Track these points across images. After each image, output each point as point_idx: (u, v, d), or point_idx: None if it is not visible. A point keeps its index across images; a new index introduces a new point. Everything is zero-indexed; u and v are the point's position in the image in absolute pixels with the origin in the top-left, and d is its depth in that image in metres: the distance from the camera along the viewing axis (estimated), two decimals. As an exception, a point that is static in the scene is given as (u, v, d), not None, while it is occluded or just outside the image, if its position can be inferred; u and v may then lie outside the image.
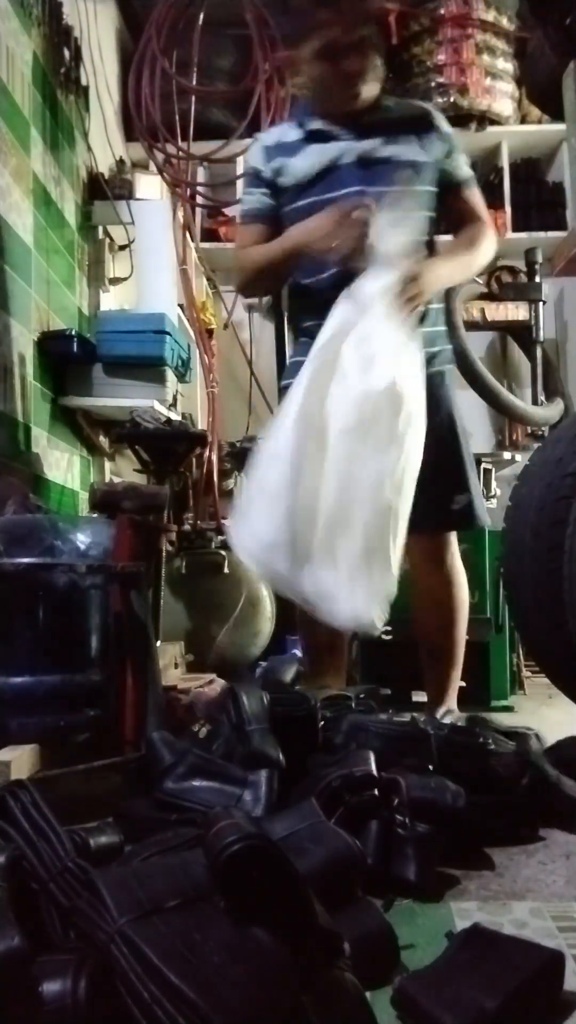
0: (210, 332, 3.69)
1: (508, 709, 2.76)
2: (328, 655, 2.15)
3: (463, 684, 2.22)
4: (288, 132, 2.04)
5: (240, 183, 3.73)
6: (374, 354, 1.67)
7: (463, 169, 2.06)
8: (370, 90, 1.96)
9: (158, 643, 1.98)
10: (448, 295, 2.70)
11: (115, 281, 3.37)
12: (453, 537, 2.13)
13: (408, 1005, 0.80)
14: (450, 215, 2.07)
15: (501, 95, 3.97)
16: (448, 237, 2.10)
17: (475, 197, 2.08)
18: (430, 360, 2.00)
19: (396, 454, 1.62)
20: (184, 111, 3.25)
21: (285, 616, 2.96)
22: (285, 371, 2.16)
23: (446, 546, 2.11)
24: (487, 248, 2.02)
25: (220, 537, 3.19)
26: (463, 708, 2.13)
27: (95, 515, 1.90)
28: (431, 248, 2.02)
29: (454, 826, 1.21)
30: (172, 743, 1.39)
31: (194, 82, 3.29)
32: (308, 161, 1.98)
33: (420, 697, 2.60)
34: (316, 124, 2.00)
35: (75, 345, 2.63)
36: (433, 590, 2.11)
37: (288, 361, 2.18)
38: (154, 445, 2.62)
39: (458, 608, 2.12)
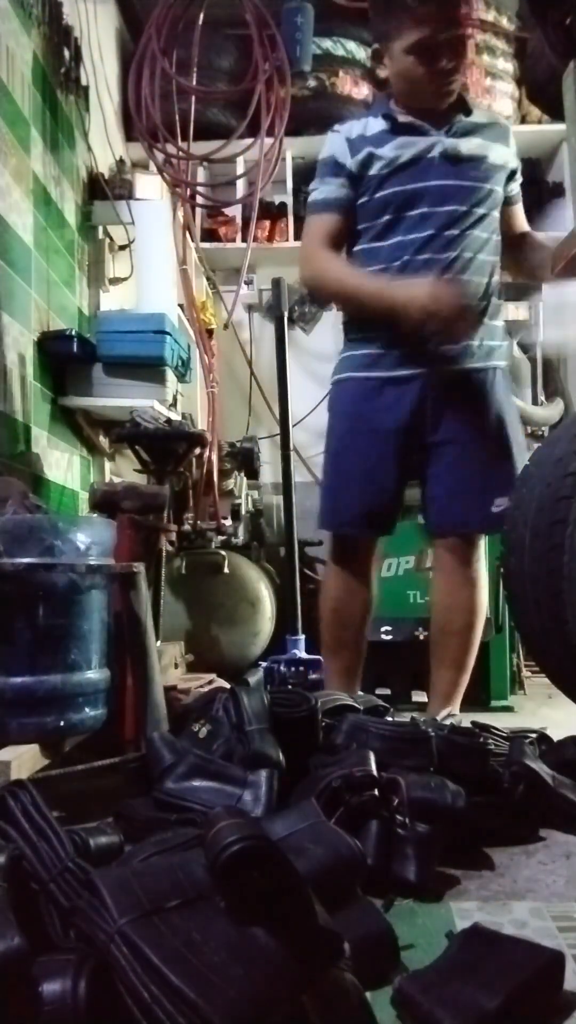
0: (210, 332, 3.69)
1: (508, 709, 2.76)
2: (346, 653, 2.14)
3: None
4: (370, 124, 2.05)
5: (236, 181, 3.80)
6: None
7: (517, 184, 2.15)
8: (458, 88, 2.01)
9: (158, 643, 1.98)
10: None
11: (115, 281, 3.37)
12: (481, 541, 2.11)
13: (408, 1005, 0.80)
14: (503, 222, 2.12)
15: (501, 95, 3.98)
16: None
17: (522, 211, 2.19)
18: (489, 354, 2.04)
19: None
20: (184, 111, 3.25)
21: (285, 616, 2.96)
22: (337, 365, 2.14)
23: (474, 548, 2.09)
24: None
25: (220, 537, 3.19)
26: (462, 708, 2.12)
27: (95, 515, 1.90)
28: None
29: (454, 826, 1.21)
30: (172, 743, 1.39)
31: (194, 82, 3.29)
32: (396, 152, 2.00)
33: (420, 697, 2.60)
34: (404, 117, 2.02)
35: (75, 345, 2.63)
36: (454, 591, 2.08)
37: (341, 355, 2.14)
38: (154, 445, 2.61)
39: (476, 611, 2.09)
